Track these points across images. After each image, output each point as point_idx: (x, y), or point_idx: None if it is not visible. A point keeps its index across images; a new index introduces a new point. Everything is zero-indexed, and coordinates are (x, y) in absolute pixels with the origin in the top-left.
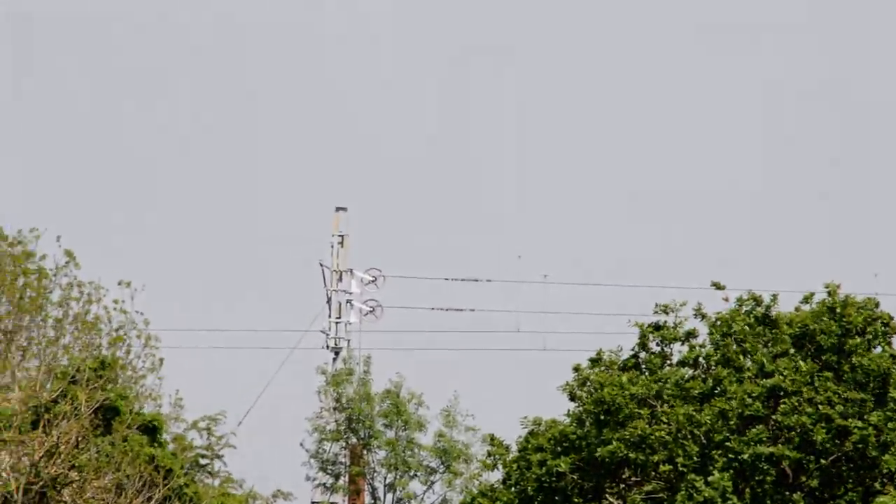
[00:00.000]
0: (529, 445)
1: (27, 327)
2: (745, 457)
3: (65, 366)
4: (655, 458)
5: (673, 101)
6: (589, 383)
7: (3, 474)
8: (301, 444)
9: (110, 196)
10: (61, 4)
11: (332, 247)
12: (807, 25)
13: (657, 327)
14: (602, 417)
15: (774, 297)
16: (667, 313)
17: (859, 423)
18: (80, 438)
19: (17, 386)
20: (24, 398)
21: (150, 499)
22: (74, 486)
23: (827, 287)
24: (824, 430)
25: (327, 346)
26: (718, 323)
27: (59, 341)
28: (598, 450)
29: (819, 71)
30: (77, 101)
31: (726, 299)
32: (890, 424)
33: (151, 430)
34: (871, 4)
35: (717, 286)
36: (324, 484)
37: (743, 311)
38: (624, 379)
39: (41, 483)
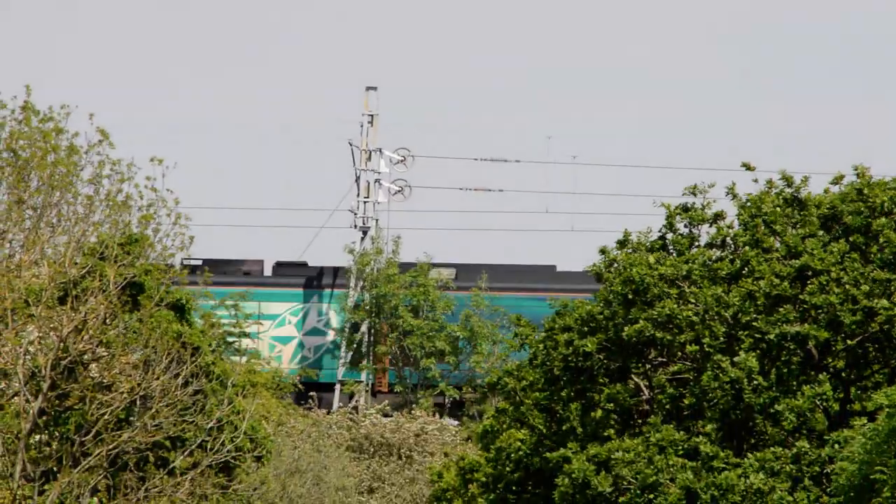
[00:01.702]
0: (556, 325)
1: (56, 204)
2: (772, 337)
3: (93, 242)
4: (682, 338)
5: None
6: (616, 264)
7: (31, 349)
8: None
9: (142, 76)
10: None
11: (362, 126)
12: None
13: (685, 209)
14: (630, 297)
15: (805, 179)
16: (695, 195)
17: (885, 304)
18: (107, 314)
19: (45, 262)
20: (52, 274)
21: (177, 375)
22: (102, 361)
23: (856, 169)
24: (850, 312)
25: (355, 226)
26: (748, 204)
27: (89, 218)
28: (625, 329)
29: None
30: None
31: (756, 180)
32: None
33: (180, 307)
34: None
35: (748, 167)
36: (350, 362)
37: (773, 193)
38: (651, 259)
39: (69, 358)
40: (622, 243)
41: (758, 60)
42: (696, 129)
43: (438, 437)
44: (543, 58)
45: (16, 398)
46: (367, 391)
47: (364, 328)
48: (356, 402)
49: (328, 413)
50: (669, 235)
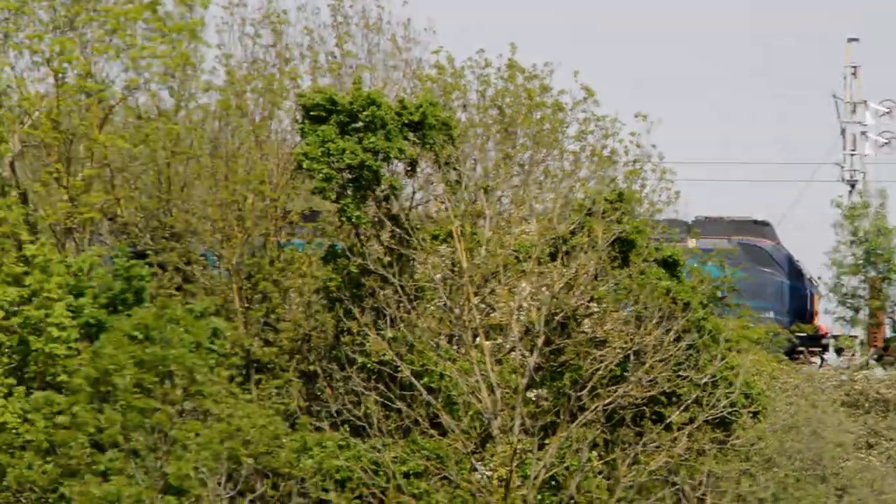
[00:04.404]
0: None
1: (543, 161)
2: None
3: (581, 199)
4: None
5: None
6: None
7: (525, 304)
8: (819, 278)
9: (628, 32)
10: None
11: (845, 78)
12: None
13: None
14: None
15: None
16: None
17: None
18: (597, 270)
19: (534, 218)
20: (540, 230)
21: (668, 331)
22: (594, 317)
23: None
24: None
25: (843, 179)
26: None
27: (576, 174)
28: None
29: None
30: None
31: None
32: None
33: (671, 264)
34: None
35: None
36: (843, 318)
37: None
38: None
39: (562, 314)
40: None
41: None
42: None
43: None
44: None
45: (512, 353)
46: (861, 346)
47: (856, 283)
48: (851, 358)
49: (820, 368)
50: None
